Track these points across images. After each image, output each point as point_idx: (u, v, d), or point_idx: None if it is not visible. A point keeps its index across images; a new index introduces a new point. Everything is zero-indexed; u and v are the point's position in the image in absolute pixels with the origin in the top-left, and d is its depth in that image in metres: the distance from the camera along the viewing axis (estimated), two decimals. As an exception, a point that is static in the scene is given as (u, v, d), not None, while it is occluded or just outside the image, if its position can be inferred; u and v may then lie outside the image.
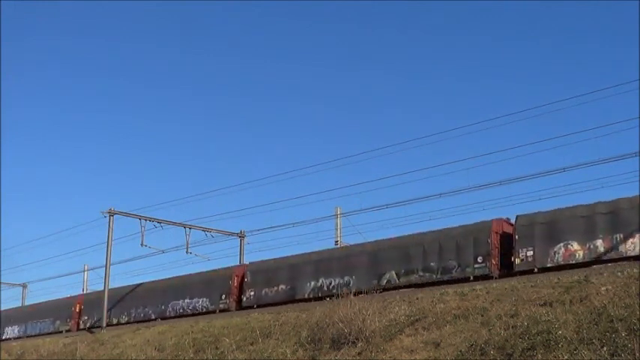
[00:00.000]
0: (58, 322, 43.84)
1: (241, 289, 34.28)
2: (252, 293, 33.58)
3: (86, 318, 41.93)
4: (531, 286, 22.23)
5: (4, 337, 46.68)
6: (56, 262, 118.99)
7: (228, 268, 36.61)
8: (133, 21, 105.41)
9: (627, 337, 16.71)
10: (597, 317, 18.30)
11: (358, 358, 21.88)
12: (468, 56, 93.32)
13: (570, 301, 19.88)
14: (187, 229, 41.94)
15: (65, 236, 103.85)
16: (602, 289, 20.07)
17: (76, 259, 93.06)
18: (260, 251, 53.71)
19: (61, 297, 47.20)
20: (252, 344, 26.05)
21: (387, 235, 40.31)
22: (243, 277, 34.54)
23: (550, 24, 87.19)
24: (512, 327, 19.44)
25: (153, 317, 37.68)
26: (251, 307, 32.75)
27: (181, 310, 36.42)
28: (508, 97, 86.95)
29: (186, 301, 36.42)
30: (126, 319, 39.32)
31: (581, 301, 19.70)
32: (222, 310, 34.15)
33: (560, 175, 32.31)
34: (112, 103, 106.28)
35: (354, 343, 22.44)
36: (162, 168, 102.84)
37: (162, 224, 41.27)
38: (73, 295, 47.02)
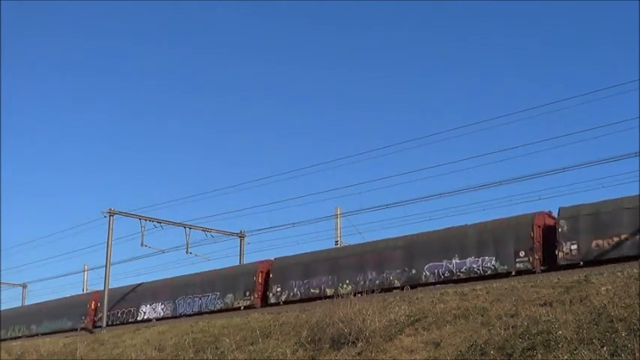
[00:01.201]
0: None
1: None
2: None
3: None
4: (531, 286, 22.23)
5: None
6: (56, 262, 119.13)
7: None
8: (133, 21, 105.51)
9: (627, 337, 16.71)
10: (597, 317, 18.30)
11: (358, 358, 21.88)
12: (468, 56, 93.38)
13: (570, 301, 19.88)
14: (187, 229, 41.93)
15: (65, 236, 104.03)
16: (602, 289, 20.06)
17: (76, 259, 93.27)
18: (260, 251, 53.70)
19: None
20: (252, 344, 26.06)
21: (387, 235, 40.24)
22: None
23: (550, 24, 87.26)
24: (512, 327, 19.43)
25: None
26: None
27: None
28: (508, 97, 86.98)
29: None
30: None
31: (581, 301, 19.70)
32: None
33: (560, 175, 32.31)
34: (112, 103, 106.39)
35: (354, 343, 22.44)
36: (162, 168, 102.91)
37: (162, 224, 41.28)
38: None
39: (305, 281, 32.37)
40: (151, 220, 40.80)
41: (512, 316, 20.18)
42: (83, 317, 42.47)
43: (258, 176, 63.15)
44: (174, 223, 42.02)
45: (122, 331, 35.75)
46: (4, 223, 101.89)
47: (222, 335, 28.10)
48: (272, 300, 33.12)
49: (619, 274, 20.89)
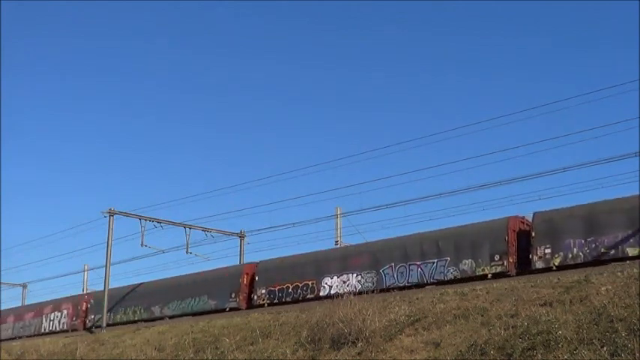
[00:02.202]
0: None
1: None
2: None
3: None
4: (531, 286, 22.23)
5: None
6: (56, 262, 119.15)
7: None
8: (133, 21, 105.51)
9: (627, 337, 16.71)
10: (597, 317, 18.30)
11: (358, 358, 21.87)
12: (468, 56, 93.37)
13: (570, 301, 19.88)
14: (187, 229, 41.93)
15: (65, 236, 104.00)
16: (602, 289, 20.06)
17: (76, 259, 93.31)
18: (260, 251, 53.74)
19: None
20: (252, 344, 26.05)
21: (387, 235, 40.31)
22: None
23: (550, 24, 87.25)
24: (512, 327, 19.43)
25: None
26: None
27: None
28: (508, 97, 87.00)
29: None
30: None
31: (581, 301, 19.70)
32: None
33: (560, 175, 32.32)
34: (112, 103, 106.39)
35: (354, 343, 22.44)
36: (162, 168, 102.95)
37: (162, 224, 41.29)
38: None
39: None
40: (151, 220, 40.80)
41: (512, 316, 20.18)
42: (234, 294, 34.71)
43: (258, 176, 63.44)
44: (174, 223, 42.02)
45: (122, 331, 35.75)
46: (4, 223, 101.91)
47: (222, 335, 28.10)
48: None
49: (619, 274, 20.89)
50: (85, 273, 54.34)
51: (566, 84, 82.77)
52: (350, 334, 22.60)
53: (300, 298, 31.73)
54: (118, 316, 39.86)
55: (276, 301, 32.60)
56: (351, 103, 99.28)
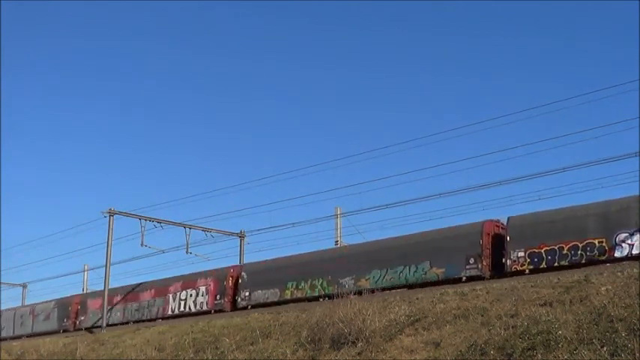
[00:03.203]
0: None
1: None
2: None
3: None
4: (531, 286, 22.23)
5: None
6: (56, 262, 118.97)
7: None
8: (133, 21, 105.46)
9: (627, 337, 16.72)
10: (597, 317, 18.30)
11: (358, 358, 21.88)
12: (468, 56, 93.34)
13: (570, 301, 19.88)
14: (187, 229, 41.95)
15: (65, 236, 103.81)
16: (602, 289, 20.07)
17: (76, 259, 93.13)
18: (260, 251, 53.66)
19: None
20: (252, 344, 26.06)
21: (387, 235, 40.27)
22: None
23: (550, 24, 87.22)
24: (512, 327, 19.44)
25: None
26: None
27: None
28: (508, 97, 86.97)
29: None
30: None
31: (581, 301, 19.70)
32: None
33: (560, 175, 32.31)
34: (112, 103, 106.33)
35: (354, 343, 22.44)
36: (163, 168, 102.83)
37: (162, 224, 41.30)
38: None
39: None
40: (151, 220, 40.81)
41: (512, 316, 20.18)
42: (472, 260, 27.68)
43: (258, 176, 63.30)
44: (174, 223, 42.03)
45: (122, 331, 35.76)
46: (4, 223, 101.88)
47: (222, 335, 28.11)
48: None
49: (619, 274, 20.89)
50: (85, 273, 54.38)
51: (566, 84, 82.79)
52: (350, 334, 22.61)
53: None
54: (288, 292, 32.48)
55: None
56: (351, 103, 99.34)
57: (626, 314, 17.82)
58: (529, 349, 18.01)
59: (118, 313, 40.00)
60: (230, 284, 34.49)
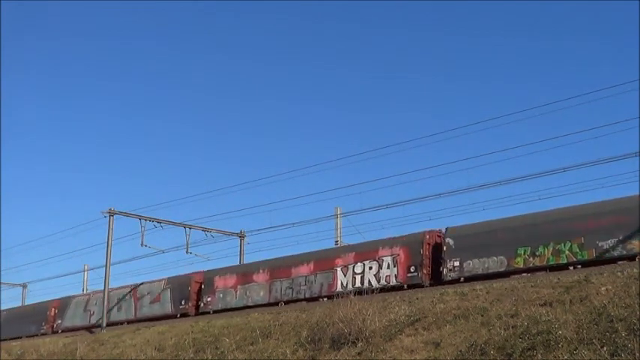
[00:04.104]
0: None
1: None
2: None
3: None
4: (531, 286, 22.25)
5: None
6: (56, 262, 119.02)
7: None
8: (133, 21, 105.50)
9: (627, 337, 16.73)
10: (597, 317, 18.31)
11: (358, 358, 21.89)
12: (468, 56, 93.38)
13: (570, 301, 19.90)
14: (187, 229, 41.93)
15: (65, 236, 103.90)
16: (602, 289, 20.08)
17: (76, 259, 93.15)
18: (260, 251, 53.65)
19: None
20: (252, 344, 26.07)
21: (386, 234, 40.10)
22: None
23: (550, 23, 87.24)
24: (512, 327, 19.45)
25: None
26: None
27: None
28: (508, 97, 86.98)
29: None
30: None
31: (581, 301, 19.72)
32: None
33: (560, 175, 32.28)
34: (112, 103, 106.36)
35: (354, 343, 22.45)
36: (162, 168, 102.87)
37: (162, 224, 41.26)
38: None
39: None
40: (151, 220, 40.79)
41: (512, 316, 20.20)
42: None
43: (258, 176, 63.20)
44: (174, 223, 42.02)
45: (122, 331, 35.76)
46: (4, 223, 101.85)
47: (222, 335, 28.11)
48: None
49: (619, 274, 20.90)
50: (85, 273, 54.31)
51: (566, 84, 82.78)
52: (350, 334, 22.62)
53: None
54: (520, 260, 26.36)
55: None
56: (350, 103, 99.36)
57: (626, 314, 17.83)
58: (529, 349, 18.02)
59: (262, 292, 32.75)
60: (427, 252, 28.32)
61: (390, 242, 29.58)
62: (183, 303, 35.81)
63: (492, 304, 21.76)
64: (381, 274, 29.03)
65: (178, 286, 36.56)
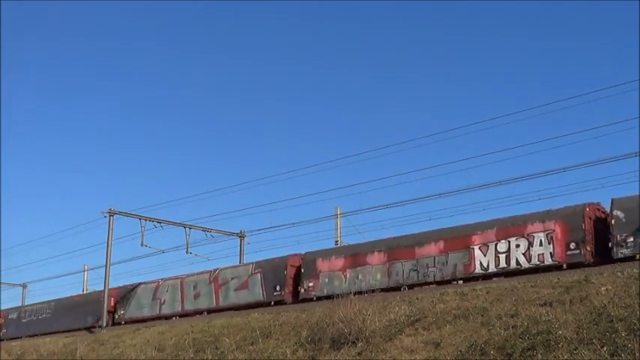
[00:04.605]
0: None
1: None
2: None
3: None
4: (531, 286, 22.25)
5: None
6: (56, 262, 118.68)
7: None
8: (133, 21, 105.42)
9: (627, 337, 16.73)
10: (597, 317, 18.32)
11: (358, 358, 21.90)
12: (467, 56, 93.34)
13: (570, 301, 19.90)
14: (187, 229, 41.93)
15: (65, 236, 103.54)
16: (602, 289, 20.08)
17: (76, 259, 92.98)
18: (260, 251, 53.61)
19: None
20: (252, 344, 26.08)
21: (386, 234, 39.97)
22: None
23: (550, 23, 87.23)
24: (512, 327, 19.45)
25: None
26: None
27: None
28: (508, 97, 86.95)
29: None
30: None
31: (581, 301, 19.72)
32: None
33: (560, 175, 32.25)
34: (112, 103, 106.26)
35: (354, 343, 22.46)
36: (162, 168, 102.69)
37: (162, 224, 41.25)
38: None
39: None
40: (151, 220, 40.78)
41: (512, 316, 20.20)
42: None
43: (258, 176, 63.15)
44: (174, 223, 42.02)
45: (122, 331, 35.76)
46: (4, 223, 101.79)
47: (222, 335, 28.12)
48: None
49: (619, 274, 20.90)
50: (85, 273, 54.28)
51: (566, 84, 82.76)
52: (350, 334, 22.62)
53: None
54: None
55: None
56: (350, 103, 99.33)
57: (626, 314, 17.84)
58: (529, 349, 18.03)
59: (379, 275, 28.99)
60: (589, 227, 24.64)
61: (541, 216, 25.79)
62: (278, 289, 32.05)
63: (492, 304, 21.76)
64: (532, 253, 25.40)
65: (271, 270, 32.75)
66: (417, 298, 24.63)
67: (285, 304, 31.03)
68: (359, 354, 21.97)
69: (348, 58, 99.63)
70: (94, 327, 39.15)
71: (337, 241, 38.87)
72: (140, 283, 39.37)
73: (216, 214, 58.04)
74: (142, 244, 40.19)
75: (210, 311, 34.20)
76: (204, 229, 42.75)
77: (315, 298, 30.03)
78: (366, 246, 30.32)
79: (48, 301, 45.92)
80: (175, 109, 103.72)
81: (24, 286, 63.04)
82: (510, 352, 18.30)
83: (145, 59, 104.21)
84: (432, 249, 27.81)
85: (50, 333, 41.62)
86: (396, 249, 28.77)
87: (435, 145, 68.14)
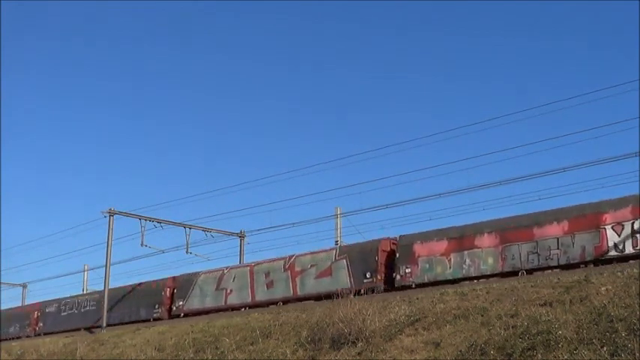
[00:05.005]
0: None
1: None
2: None
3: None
4: (531, 286, 22.25)
5: None
6: (56, 262, 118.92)
7: None
8: (134, 21, 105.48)
9: (627, 337, 16.73)
10: (597, 317, 18.31)
11: (358, 358, 21.89)
12: (467, 56, 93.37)
13: (570, 301, 19.90)
14: (187, 229, 41.96)
15: (65, 236, 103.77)
16: (602, 289, 20.08)
17: (76, 259, 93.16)
18: (260, 251, 53.63)
19: None
20: (252, 344, 26.07)
21: (385, 234, 39.90)
22: None
23: (550, 23, 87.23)
24: (512, 327, 19.45)
25: None
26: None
27: None
28: (508, 97, 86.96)
29: None
30: None
31: (581, 301, 19.71)
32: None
33: (560, 175, 32.25)
34: (112, 103, 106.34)
35: (354, 343, 22.45)
36: (162, 168, 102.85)
37: (162, 224, 41.29)
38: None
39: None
40: (151, 220, 40.81)
41: (512, 316, 20.20)
42: None
43: (258, 176, 63.16)
44: (174, 223, 42.04)
45: (122, 331, 35.76)
46: (4, 223, 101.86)
47: (222, 335, 28.11)
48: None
49: (619, 274, 20.90)
50: (85, 273, 54.32)
51: (566, 84, 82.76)
52: (350, 334, 22.62)
53: None
54: None
55: None
56: (351, 103, 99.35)
57: (626, 314, 17.83)
58: (529, 349, 18.02)
59: (490, 259, 26.35)
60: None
61: None
62: (368, 276, 29.40)
63: (492, 304, 21.76)
64: None
65: (359, 255, 30.12)
66: (417, 298, 24.63)
67: (379, 292, 27.71)
68: (359, 354, 21.96)
69: (348, 58, 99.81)
70: (149, 320, 37.02)
71: (337, 241, 38.89)
72: (200, 272, 37.05)
73: (216, 214, 58.16)
74: (142, 244, 40.28)
75: (285, 301, 31.63)
76: (205, 229, 42.80)
77: (414, 286, 27.73)
78: (474, 227, 27.41)
79: (90, 293, 45.30)
80: (175, 109, 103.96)
81: (24, 286, 63.08)
82: (510, 352, 18.29)
83: (144, 59, 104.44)
84: (554, 229, 25.11)
85: (94, 327, 39.40)
86: (510, 230, 26.09)
87: (435, 145, 68.34)
